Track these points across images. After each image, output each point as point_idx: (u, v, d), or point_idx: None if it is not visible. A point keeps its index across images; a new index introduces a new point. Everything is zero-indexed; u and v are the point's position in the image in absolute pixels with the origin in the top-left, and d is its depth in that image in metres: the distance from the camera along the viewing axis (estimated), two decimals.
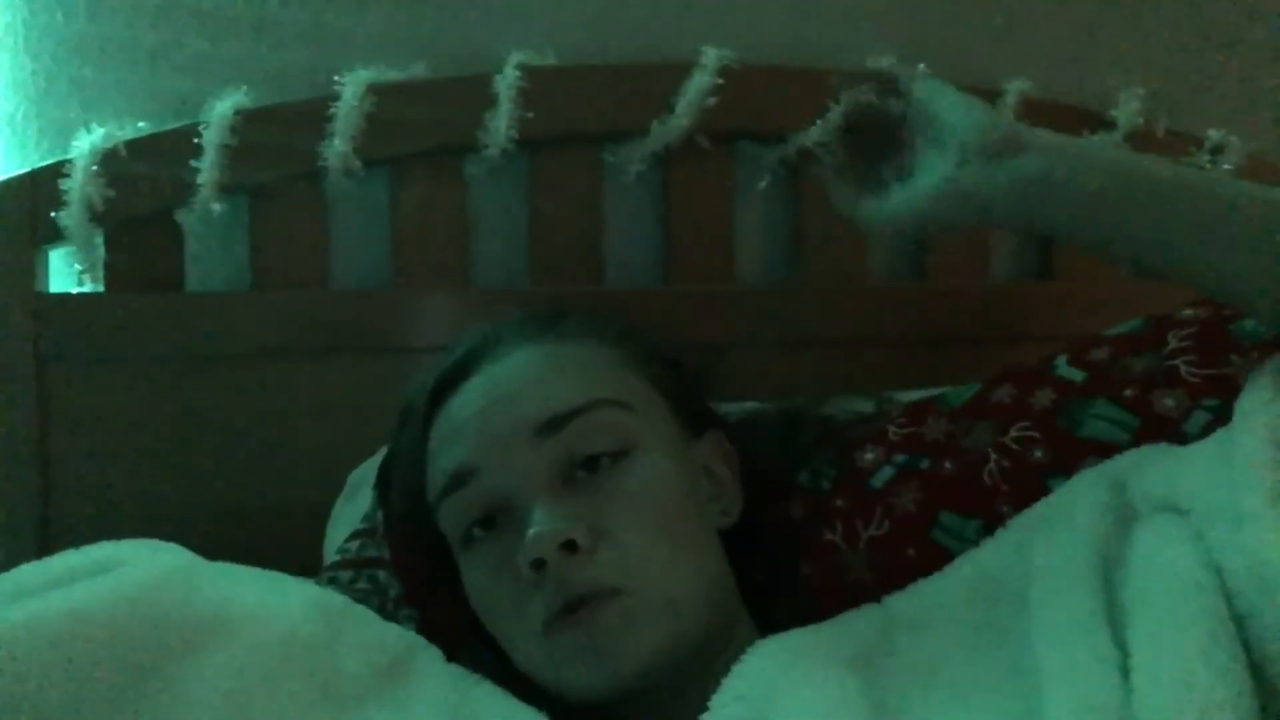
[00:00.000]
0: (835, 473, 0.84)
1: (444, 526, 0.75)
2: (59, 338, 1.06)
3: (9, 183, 1.07)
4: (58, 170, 1.05)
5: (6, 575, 0.68)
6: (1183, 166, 0.72)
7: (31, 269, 1.06)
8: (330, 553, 0.94)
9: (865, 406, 0.91)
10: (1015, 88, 1.14)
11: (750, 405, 0.93)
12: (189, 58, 1.11)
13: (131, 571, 0.67)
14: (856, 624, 0.72)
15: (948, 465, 0.80)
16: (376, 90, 1.07)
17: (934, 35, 1.18)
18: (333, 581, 0.86)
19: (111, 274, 1.08)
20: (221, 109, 1.06)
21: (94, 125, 1.06)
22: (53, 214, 1.05)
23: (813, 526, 0.82)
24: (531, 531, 0.67)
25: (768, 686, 0.65)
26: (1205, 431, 0.70)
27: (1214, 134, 1.18)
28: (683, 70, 1.10)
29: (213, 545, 0.75)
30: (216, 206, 1.07)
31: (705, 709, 0.65)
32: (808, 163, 1.09)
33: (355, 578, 0.86)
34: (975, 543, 0.74)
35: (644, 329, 0.82)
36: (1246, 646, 0.55)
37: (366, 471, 0.98)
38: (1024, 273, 1.21)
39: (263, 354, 1.08)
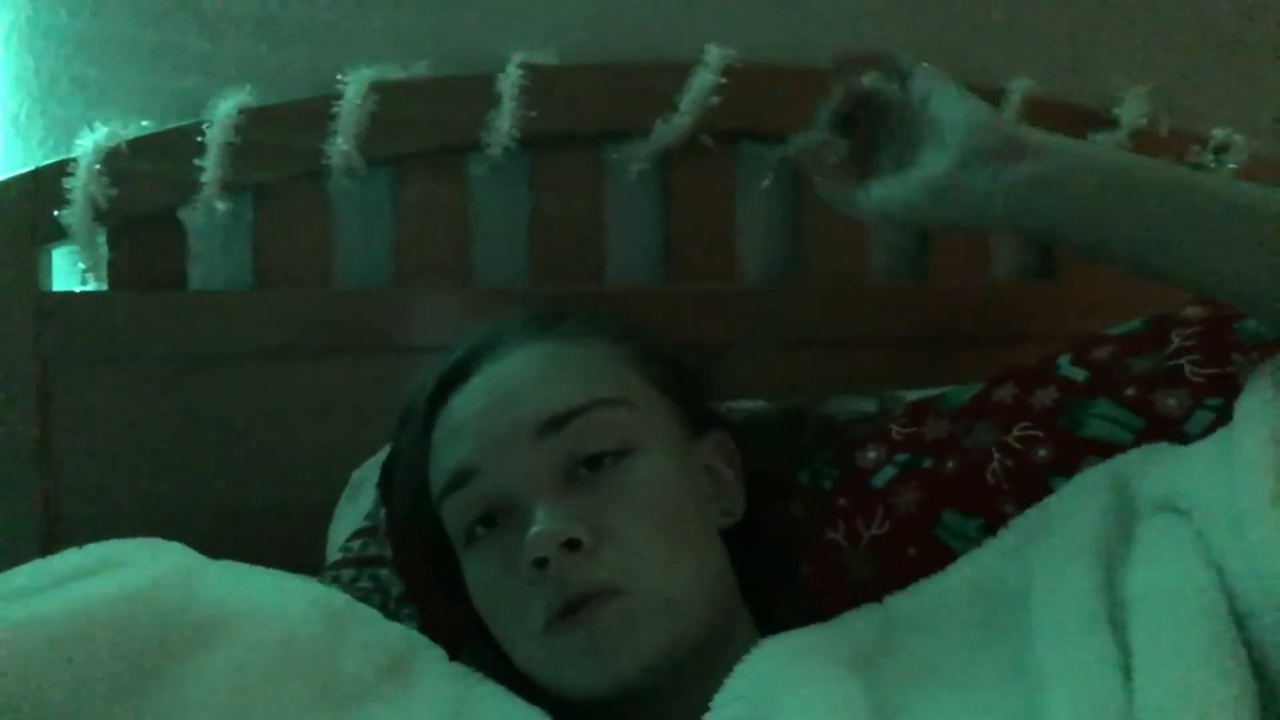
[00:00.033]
0: (837, 472, 0.83)
1: (446, 525, 0.75)
2: (61, 336, 1.06)
3: (12, 181, 1.07)
4: (61, 169, 1.05)
5: (8, 574, 0.68)
6: (1182, 168, 0.72)
7: (34, 268, 1.06)
8: (333, 551, 0.94)
9: (868, 406, 0.91)
10: (1018, 87, 1.14)
11: (751, 404, 0.93)
12: (192, 57, 1.11)
13: (133, 571, 0.67)
14: (857, 624, 0.72)
15: (950, 464, 0.80)
16: (379, 89, 1.08)
17: (937, 34, 1.18)
18: (335, 580, 0.86)
19: (114, 273, 1.09)
20: (225, 108, 1.06)
21: (97, 124, 1.07)
22: (56, 213, 1.05)
23: (814, 526, 0.82)
24: (534, 530, 0.67)
25: (769, 686, 0.65)
26: (1208, 431, 0.69)
27: (1218, 133, 1.18)
28: (685, 69, 1.10)
29: (214, 544, 0.75)
30: (219, 205, 1.07)
31: (706, 709, 0.65)
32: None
33: (357, 576, 0.86)
34: (977, 542, 0.74)
35: (645, 328, 0.82)
36: (1247, 646, 0.55)
37: (369, 470, 0.98)
38: (1025, 272, 1.21)
39: (265, 353, 1.09)
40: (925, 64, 0.72)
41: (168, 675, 0.63)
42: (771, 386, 0.96)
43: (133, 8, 1.11)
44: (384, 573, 0.86)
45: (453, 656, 0.75)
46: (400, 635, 0.74)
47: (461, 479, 0.72)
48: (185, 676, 0.64)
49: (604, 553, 0.67)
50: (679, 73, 1.10)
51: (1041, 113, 1.12)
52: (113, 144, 1.06)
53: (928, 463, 0.81)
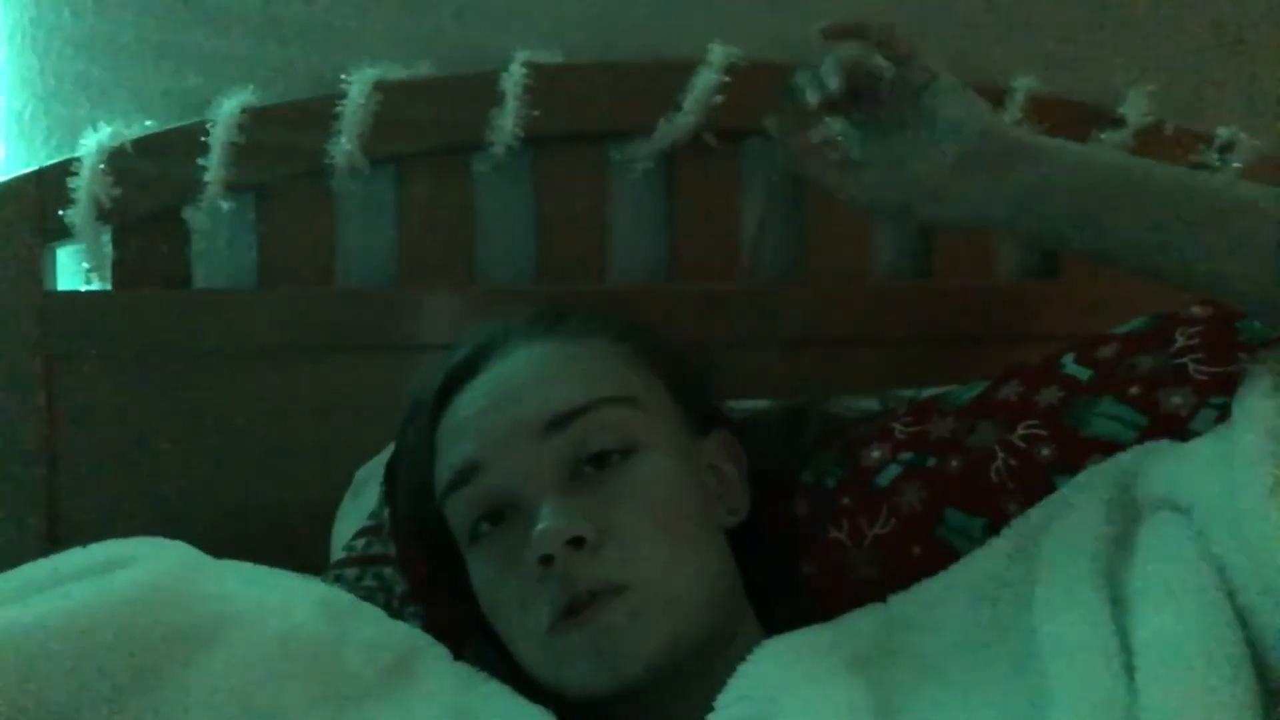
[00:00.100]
0: (841, 471, 0.83)
1: (450, 523, 0.75)
2: (66, 335, 1.07)
3: (16, 181, 1.07)
4: (65, 168, 1.06)
5: (13, 573, 0.69)
6: (1182, 168, 0.71)
7: (39, 267, 1.07)
8: (337, 550, 0.94)
9: (871, 404, 0.91)
10: (1022, 85, 1.14)
11: (754, 404, 0.92)
12: (196, 56, 1.11)
13: (136, 570, 0.67)
14: (860, 624, 0.72)
15: (954, 463, 0.80)
16: (383, 88, 1.08)
17: (940, 33, 1.17)
18: (339, 579, 0.86)
19: (118, 272, 1.09)
20: (228, 107, 1.06)
21: (101, 123, 1.07)
22: (60, 212, 1.05)
23: (818, 525, 0.82)
24: (539, 527, 0.67)
25: (772, 686, 0.65)
26: None
27: (1223, 131, 1.17)
28: (689, 68, 1.09)
29: (217, 542, 0.75)
30: (223, 204, 1.07)
31: (709, 709, 0.65)
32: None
33: (361, 575, 0.86)
34: (981, 541, 0.74)
35: (649, 327, 0.82)
36: (1249, 644, 0.55)
37: (373, 469, 0.98)
38: (1028, 272, 1.20)
39: (268, 352, 1.09)
40: (928, 51, 0.71)
41: (170, 674, 0.64)
42: (774, 385, 0.96)
43: (137, 8, 1.11)
44: (388, 571, 0.86)
45: (457, 655, 0.75)
46: (404, 634, 0.74)
47: (465, 476, 0.72)
48: (188, 675, 0.64)
49: (608, 551, 0.67)
50: (682, 71, 1.09)
51: (1045, 111, 1.11)
52: (116, 143, 1.06)
53: (931, 461, 0.81)
